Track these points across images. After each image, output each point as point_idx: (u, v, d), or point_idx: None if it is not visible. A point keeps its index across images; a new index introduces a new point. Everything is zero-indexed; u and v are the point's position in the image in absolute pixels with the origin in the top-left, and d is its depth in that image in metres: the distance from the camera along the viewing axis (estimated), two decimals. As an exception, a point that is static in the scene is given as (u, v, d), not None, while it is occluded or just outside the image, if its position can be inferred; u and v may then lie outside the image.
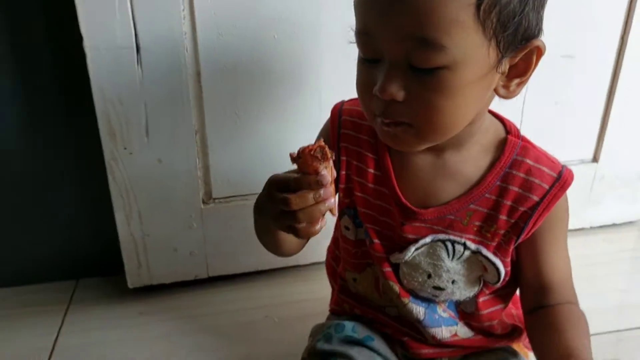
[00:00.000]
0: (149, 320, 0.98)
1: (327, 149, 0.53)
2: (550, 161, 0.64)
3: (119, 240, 0.97)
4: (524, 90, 1.00)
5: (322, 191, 0.52)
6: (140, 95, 0.86)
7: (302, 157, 0.52)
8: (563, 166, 0.64)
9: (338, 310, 0.80)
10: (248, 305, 1.00)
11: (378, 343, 0.73)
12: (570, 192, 1.13)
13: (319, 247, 0.86)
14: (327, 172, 0.52)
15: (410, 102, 0.54)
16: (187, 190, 0.95)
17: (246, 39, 0.87)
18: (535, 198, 0.62)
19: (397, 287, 0.69)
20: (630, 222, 1.22)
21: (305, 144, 0.53)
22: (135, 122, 0.88)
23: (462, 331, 0.71)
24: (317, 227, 0.54)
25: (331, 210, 0.54)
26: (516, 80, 0.58)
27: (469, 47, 0.52)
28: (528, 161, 0.63)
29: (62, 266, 1.06)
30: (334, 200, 0.54)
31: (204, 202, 0.98)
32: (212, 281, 1.04)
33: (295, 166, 0.54)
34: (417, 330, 0.72)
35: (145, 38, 0.83)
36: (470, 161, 0.64)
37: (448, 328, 0.70)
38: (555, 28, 0.95)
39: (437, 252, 0.65)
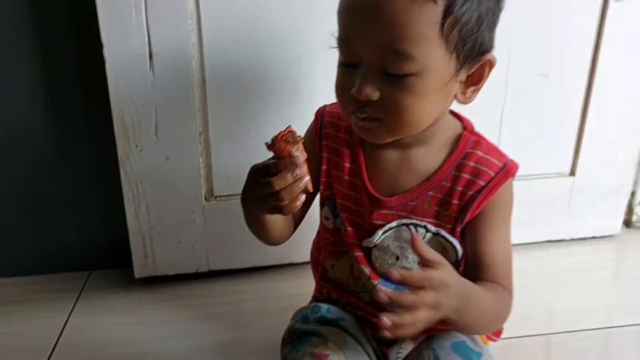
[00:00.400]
0: (152, 307, 1.06)
1: (295, 132, 0.61)
2: (499, 153, 0.71)
3: (128, 233, 1.06)
4: (501, 106, 1.09)
5: (297, 170, 0.60)
6: (152, 97, 0.96)
7: (275, 143, 0.60)
8: (510, 159, 0.71)
9: (318, 296, 0.87)
10: (245, 297, 1.08)
11: (349, 323, 0.79)
12: (550, 204, 1.19)
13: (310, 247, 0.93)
14: (299, 153, 0.60)
15: (383, 102, 0.62)
16: (191, 187, 1.04)
17: (248, 48, 0.97)
18: (482, 183, 0.69)
19: (367, 270, 0.76)
20: (610, 236, 1.26)
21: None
22: (146, 122, 0.98)
23: None
24: (298, 202, 0.62)
25: (307, 186, 0.61)
26: (472, 88, 0.67)
27: (434, 58, 0.60)
28: (478, 152, 0.70)
29: (76, 258, 1.15)
30: (308, 177, 0.61)
31: (206, 199, 1.06)
32: (212, 275, 1.12)
33: (271, 154, 0.62)
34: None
35: (157, 46, 0.93)
36: (431, 155, 0.72)
37: None
38: (529, 48, 1.05)
39: (402, 235, 0.72)
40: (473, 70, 0.65)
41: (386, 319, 0.53)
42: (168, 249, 1.08)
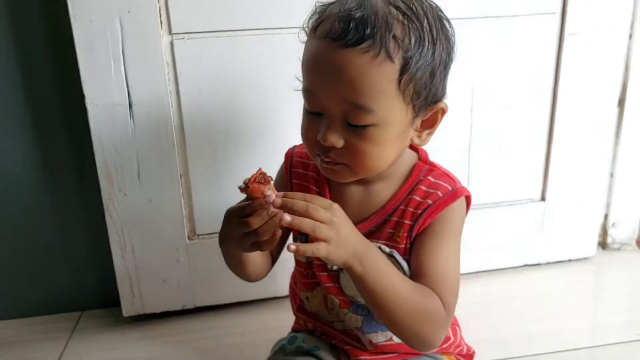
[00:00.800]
0: (141, 344, 1.09)
1: (265, 173, 0.65)
2: (450, 179, 0.76)
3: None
4: (469, 137, 1.14)
5: (271, 208, 0.63)
6: (133, 144, 1.02)
7: (249, 186, 0.64)
8: (460, 185, 0.75)
9: (297, 327, 0.91)
10: (229, 331, 1.11)
11: (323, 352, 0.83)
12: (524, 229, 1.23)
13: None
14: (271, 192, 0.64)
15: (347, 149, 0.68)
16: (174, 227, 1.09)
17: (222, 95, 1.03)
18: (430, 202, 0.73)
19: (337, 300, 0.80)
20: (586, 258, 1.30)
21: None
22: (129, 167, 1.03)
23: None
24: (276, 237, 0.65)
25: (280, 220, 0.63)
26: (426, 131, 0.73)
27: (392, 110, 0.66)
28: (430, 178, 0.75)
29: (68, 299, 1.19)
30: (282, 212, 0.64)
31: (189, 238, 1.11)
32: (198, 311, 1.16)
33: (244, 196, 0.66)
34: (358, 339, 0.82)
35: (136, 96, 0.99)
36: (390, 186, 0.77)
37: (384, 333, 0.80)
38: (491, 83, 1.10)
39: None
40: (427, 116, 0.71)
41: (292, 245, 0.60)
42: (154, 288, 1.12)
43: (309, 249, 0.61)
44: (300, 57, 0.70)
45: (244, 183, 0.64)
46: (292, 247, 0.61)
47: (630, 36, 1.15)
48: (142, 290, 1.12)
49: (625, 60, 1.17)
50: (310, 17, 0.70)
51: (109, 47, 0.96)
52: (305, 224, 0.60)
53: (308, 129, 0.71)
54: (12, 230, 1.13)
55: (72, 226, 1.14)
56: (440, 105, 0.70)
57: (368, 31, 0.62)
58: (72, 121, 1.07)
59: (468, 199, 0.76)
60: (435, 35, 0.66)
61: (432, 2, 0.69)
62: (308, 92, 0.69)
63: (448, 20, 0.70)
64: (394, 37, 0.63)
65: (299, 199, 0.62)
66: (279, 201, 0.61)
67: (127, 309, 1.13)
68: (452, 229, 0.74)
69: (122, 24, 0.95)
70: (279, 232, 0.65)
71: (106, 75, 0.97)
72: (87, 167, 1.06)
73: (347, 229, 0.64)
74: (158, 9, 0.96)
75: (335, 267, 0.78)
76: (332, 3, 0.68)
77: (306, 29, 0.70)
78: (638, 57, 1.17)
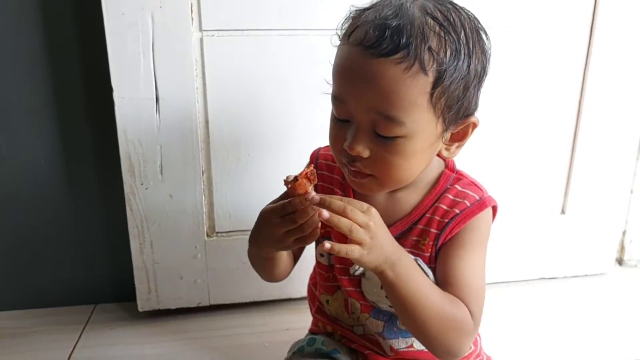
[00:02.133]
0: (155, 340, 1.09)
1: (316, 172, 0.65)
2: (477, 188, 0.75)
3: (132, 268, 1.10)
4: (493, 146, 1.13)
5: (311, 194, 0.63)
6: (157, 138, 1.02)
7: (298, 179, 0.64)
8: (487, 194, 0.75)
9: (315, 329, 0.91)
10: (243, 331, 1.11)
11: (343, 356, 0.83)
12: (542, 242, 1.23)
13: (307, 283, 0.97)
14: (312, 190, 0.64)
15: (374, 159, 0.67)
16: (194, 223, 1.08)
17: (248, 94, 1.03)
18: (457, 211, 0.73)
19: (358, 304, 0.80)
20: (602, 274, 1.29)
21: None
22: (152, 161, 1.03)
23: (419, 343, 0.80)
24: (316, 232, 0.66)
25: (319, 215, 0.63)
26: (456, 144, 0.72)
27: (422, 123, 0.65)
28: (457, 187, 0.75)
29: (82, 291, 1.19)
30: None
31: (207, 235, 1.11)
32: (213, 309, 1.16)
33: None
34: (378, 345, 0.81)
35: (163, 91, 0.99)
36: (416, 193, 0.76)
37: (405, 339, 0.80)
38: (518, 95, 1.10)
39: None
40: (458, 130, 0.70)
41: (327, 243, 0.61)
42: (171, 284, 1.12)
43: (344, 249, 0.61)
44: (331, 61, 0.69)
45: (294, 177, 0.64)
46: (327, 245, 0.61)
47: (657, 54, 1.15)
48: (159, 285, 1.11)
49: (652, 78, 1.17)
50: (344, 22, 0.69)
51: (139, 41, 0.96)
52: (343, 223, 0.61)
53: (335, 137, 0.70)
54: (31, 220, 1.13)
55: (91, 218, 1.14)
56: (472, 119, 0.69)
57: (403, 41, 0.61)
58: (97, 113, 1.07)
59: (494, 209, 0.76)
60: (472, 48, 0.65)
61: (470, 12, 0.68)
62: (337, 99, 0.68)
63: (485, 32, 0.69)
64: (429, 49, 0.62)
65: (337, 199, 0.62)
66: (317, 198, 0.61)
67: (142, 304, 1.13)
68: (478, 239, 0.74)
69: (153, 19, 0.95)
70: (319, 228, 0.66)
71: (135, 69, 0.97)
72: (109, 159, 1.06)
73: (383, 234, 0.64)
74: (190, 5, 0.96)
75: (357, 272, 0.78)
76: (368, 9, 0.67)
77: (339, 33, 0.69)
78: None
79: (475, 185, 0.76)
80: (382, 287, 0.76)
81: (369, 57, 0.63)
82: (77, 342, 1.08)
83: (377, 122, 0.65)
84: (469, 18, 0.67)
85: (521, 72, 1.11)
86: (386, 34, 0.62)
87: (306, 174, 0.64)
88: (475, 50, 0.66)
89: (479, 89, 0.69)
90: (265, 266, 0.79)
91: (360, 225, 0.61)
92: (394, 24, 0.62)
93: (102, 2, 0.93)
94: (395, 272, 0.65)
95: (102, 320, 1.15)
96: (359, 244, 0.61)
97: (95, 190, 1.13)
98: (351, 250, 0.61)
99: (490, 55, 0.69)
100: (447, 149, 0.71)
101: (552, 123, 1.16)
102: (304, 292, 1.14)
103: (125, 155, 1.02)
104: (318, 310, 0.88)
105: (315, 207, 0.63)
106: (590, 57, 1.11)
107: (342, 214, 0.61)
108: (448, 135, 0.69)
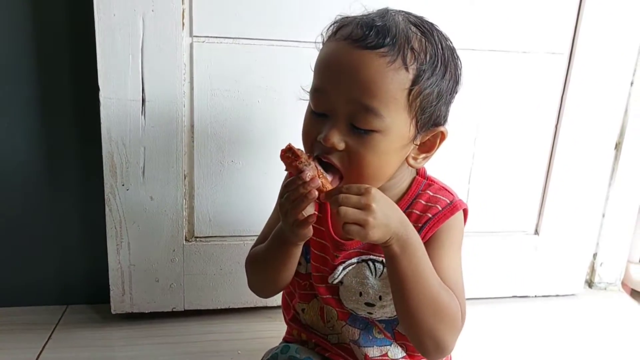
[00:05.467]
0: (126, 344, 1.08)
1: (295, 149, 0.67)
2: (448, 193, 0.77)
3: (107, 269, 1.09)
4: (470, 165, 1.16)
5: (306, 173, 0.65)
6: (141, 140, 1.02)
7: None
8: (458, 198, 0.77)
9: (289, 338, 0.91)
10: (217, 338, 1.10)
11: (316, 363, 0.83)
12: (515, 261, 1.25)
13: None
14: (311, 171, 0.65)
15: (347, 153, 0.68)
16: (173, 226, 1.08)
17: (234, 100, 1.04)
18: (430, 215, 0.75)
19: (335, 312, 0.81)
20: (572, 295, 1.32)
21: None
22: (134, 162, 1.03)
23: (394, 351, 0.81)
24: (311, 219, 0.68)
25: (319, 188, 0.65)
26: (423, 155, 0.74)
27: (398, 119, 0.67)
28: (429, 192, 0.77)
29: (54, 291, 1.17)
30: (319, 181, 0.66)
31: (186, 239, 1.10)
32: (187, 314, 1.15)
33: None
34: (352, 354, 0.82)
35: (150, 93, 1.00)
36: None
37: (380, 348, 0.81)
38: (495, 119, 1.14)
39: (362, 271, 0.77)
40: (427, 138, 0.72)
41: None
42: (146, 287, 1.11)
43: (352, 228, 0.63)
44: (316, 60, 0.71)
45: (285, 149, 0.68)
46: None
47: (632, 83, 1.20)
48: (134, 288, 1.10)
49: (625, 106, 1.21)
50: (330, 26, 0.72)
51: (129, 43, 0.97)
52: (333, 201, 0.63)
53: (309, 130, 0.71)
54: (5, 215, 1.11)
55: (68, 217, 1.13)
56: (441, 129, 0.72)
57: (388, 39, 0.65)
58: (81, 112, 1.07)
59: (465, 212, 0.78)
60: (447, 61, 0.69)
61: (446, 34, 0.72)
62: (317, 91, 0.70)
63: (458, 57, 0.72)
64: (412, 48, 0.66)
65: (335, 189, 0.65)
66: (307, 175, 0.64)
67: (115, 306, 1.11)
68: (453, 240, 0.75)
69: (144, 22, 0.96)
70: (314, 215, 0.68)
71: (123, 70, 0.98)
72: (91, 158, 1.06)
73: (387, 212, 0.65)
74: (182, 11, 0.97)
75: (335, 281, 0.78)
76: (355, 16, 0.71)
77: (324, 35, 0.72)
78: (637, 103, 1.21)
79: (446, 190, 0.78)
80: (360, 295, 0.77)
81: (355, 49, 0.66)
82: (45, 343, 1.06)
83: (355, 113, 0.67)
84: (445, 38, 0.72)
85: (500, 95, 1.14)
86: (372, 30, 0.66)
87: (284, 152, 0.67)
88: (450, 65, 0.70)
89: (449, 103, 0.72)
90: (278, 265, 0.77)
91: (360, 208, 0.62)
92: (380, 24, 0.66)
93: (94, 2, 0.94)
94: (401, 246, 0.66)
95: (74, 321, 1.14)
96: (361, 225, 0.62)
97: (74, 188, 1.12)
98: (352, 230, 0.62)
99: (461, 76, 0.73)
100: (414, 159, 0.73)
101: (529, 145, 1.19)
102: (279, 300, 1.15)
103: (107, 155, 1.02)
104: (293, 319, 0.89)
105: (307, 186, 0.64)
106: (568, 84, 1.15)
107: (337, 201, 0.63)
108: (418, 140, 0.71)
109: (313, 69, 0.72)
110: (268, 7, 1.01)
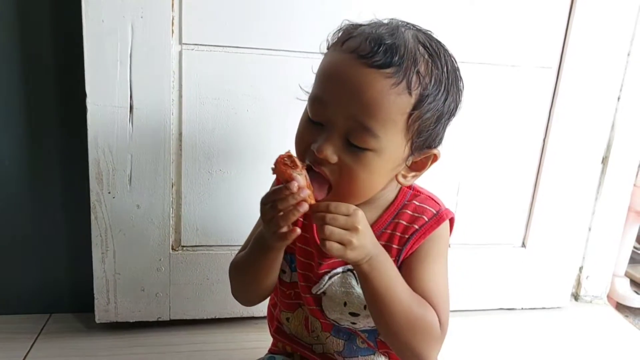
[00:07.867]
0: (110, 353, 1.06)
1: (294, 158, 0.66)
2: (434, 202, 0.77)
3: (92, 278, 1.08)
4: (459, 177, 1.16)
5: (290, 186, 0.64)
6: (128, 147, 1.01)
7: (276, 166, 0.65)
8: (444, 207, 0.77)
9: (274, 350, 0.90)
10: (203, 348, 1.09)
11: (302, 375, 0.83)
12: (502, 274, 1.26)
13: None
14: (303, 179, 0.64)
15: (339, 167, 0.68)
16: (159, 235, 1.07)
17: (223, 109, 1.03)
18: (416, 226, 0.75)
19: (319, 323, 0.80)
20: (558, 308, 1.32)
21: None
22: (121, 170, 1.02)
23: None
24: (294, 231, 0.66)
25: (305, 199, 0.65)
26: (413, 173, 0.74)
27: (394, 142, 0.67)
28: (415, 202, 0.77)
29: (37, 299, 1.15)
30: (307, 191, 0.65)
31: (172, 248, 1.09)
32: (173, 324, 1.14)
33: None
34: None
35: (138, 100, 0.99)
36: (375, 210, 0.77)
37: (364, 357, 0.80)
38: (487, 128, 1.14)
39: (348, 281, 0.77)
40: (419, 158, 0.72)
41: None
42: (131, 296, 1.10)
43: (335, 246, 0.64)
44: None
45: (274, 164, 0.66)
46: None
47: (619, 98, 1.21)
48: (118, 297, 1.09)
49: (612, 121, 1.22)
50: (336, 32, 0.71)
51: (117, 49, 0.96)
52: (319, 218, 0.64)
53: (303, 136, 0.71)
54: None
55: (53, 224, 1.12)
56: (434, 151, 0.72)
57: (396, 59, 0.64)
58: (68, 118, 1.06)
59: (452, 221, 0.78)
60: (450, 85, 0.69)
61: (452, 54, 0.71)
62: (317, 100, 0.69)
63: (461, 78, 0.72)
64: (418, 72, 0.65)
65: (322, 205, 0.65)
66: (295, 185, 0.63)
67: (100, 315, 1.10)
68: (439, 250, 0.76)
69: (133, 28, 0.95)
70: (305, 207, 0.65)
71: (111, 77, 0.97)
72: (77, 165, 1.05)
73: (368, 234, 0.66)
74: (171, 18, 0.97)
75: (319, 292, 0.78)
76: (363, 25, 0.70)
77: (330, 40, 0.72)
78: (624, 118, 1.22)
79: (432, 199, 0.78)
80: (345, 305, 0.77)
81: (360, 65, 0.65)
82: (28, 352, 1.04)
83: (352, 130, 0.66)
84: (452, 58, 0.71)
85: (489, 108, 1.15)
86: (381, 48, 0.64)
87: (282, 159, 0.65)
88: (453, 88, 0.69)
89: (447, 125, 0.72)
90: (259, 271, 0.76)
91: (346, 229, 0.63)
92: (389, 41, 0.65)
93: (83, 8, 0.93)
94: (370, 264, 0.66)
95: (57, 330, 1.12)
96: (344, 244, 0.63)
97: (59, 195, 1.10)
98: (333, 248, 0.63)
99: (461, 100, 0.72)
100: (404, 177, 0.73)
101: (516, 159, 1.20)
102: (265, 311, 1.14)
103: (94, 162, 1.01)
104: (277, 330, 0.88)
105: (297, 196, 0.64)
106: (556, 98, 1.16)
107: (323, 220, 0.63)
108: (410, 162, 0.71)
109: (315, 74, 0.71)
110: (258, 16, 1.00)
